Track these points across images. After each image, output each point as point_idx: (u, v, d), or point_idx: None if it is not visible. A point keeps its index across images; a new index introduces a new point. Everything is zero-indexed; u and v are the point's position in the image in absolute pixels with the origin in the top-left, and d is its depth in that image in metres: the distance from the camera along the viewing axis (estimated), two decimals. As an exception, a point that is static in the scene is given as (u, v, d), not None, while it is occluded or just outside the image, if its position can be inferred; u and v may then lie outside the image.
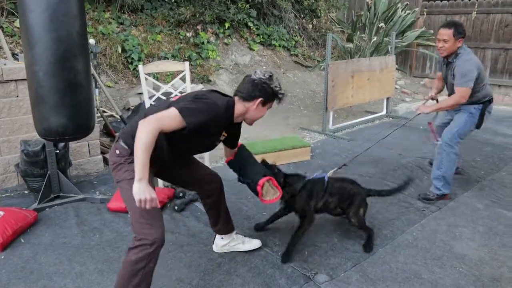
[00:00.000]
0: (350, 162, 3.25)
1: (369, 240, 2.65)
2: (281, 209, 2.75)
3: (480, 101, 3.28)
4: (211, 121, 1.88)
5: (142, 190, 1.71)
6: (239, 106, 2.03)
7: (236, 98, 2.04)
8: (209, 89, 2.05)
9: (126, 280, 1.82)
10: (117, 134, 4.24)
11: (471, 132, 3.44)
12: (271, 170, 2.45)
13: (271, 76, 2.04)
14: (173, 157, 2.03)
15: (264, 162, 2.51)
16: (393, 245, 2.68)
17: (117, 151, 1.96)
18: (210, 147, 2.14)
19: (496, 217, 3.07)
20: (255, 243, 2.59)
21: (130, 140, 1.91)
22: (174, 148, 1.97)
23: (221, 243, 2.54)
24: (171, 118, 1.80)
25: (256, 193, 2.26)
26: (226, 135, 2.14)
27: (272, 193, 2.29)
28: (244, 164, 2.34)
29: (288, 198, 2.54)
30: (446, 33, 3.13)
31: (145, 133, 1.72)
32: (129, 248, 1.83)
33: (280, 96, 2.07)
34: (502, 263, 2.49)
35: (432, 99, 3.67)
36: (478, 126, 3.36)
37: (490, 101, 3.34)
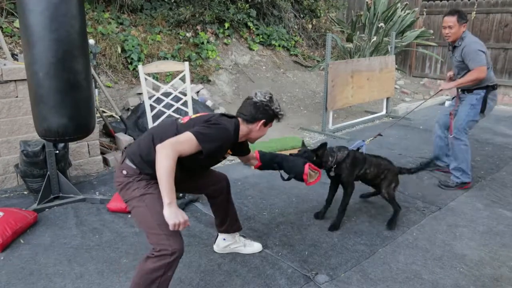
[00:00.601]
0: (383, 132, 3.65)
1: (395, 217, 2.88)
2: (330, 187, 2.99)
3: (483, 85, 3.44)
4: (224, 145, 1.98)
5: (175, 214, 1.74)
6: (243, 128, 2.10)
7: (240, 119, 2.11)
8: (217, 114, 2.11)
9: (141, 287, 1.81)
10: (118, 136, 4.25)
11: (478, 121, 3.58)
12: (308, 153, 2.67)
13: (271, 98, 2.11)
14: (183, 174, 2.05)
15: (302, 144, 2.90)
16: (393, 245, 2.68)
17: (124, 172, 1.96)
18: (215, 164, 2.24)
19: (496, 217, 3.07)
20: (257, 247, 2.59)
21: (138, 159, 1.95)
22: (185, 168, 2.00)
23: (223, 244, 2.53)
24: (188, 143, 1.85)
25: (302, 181, 2.45)
26: (230, 152, 2.23)
27: (313, 175, 2.47)
28: (279, 163, 2.50)
29: (333, 167, 2.78)
30: (451, 20, 3.38)
31: (166, 158, 1.75)
32: (147, 256, 1.83)
33: (280, 117, 2.16)
34: (502, 263, 2.49)
35: (451, 79, 3.78)
36: (482, 110, 3.50)
37: (494, 87, 3.51)
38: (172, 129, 1.98)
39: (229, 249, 2.54)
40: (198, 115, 2.12)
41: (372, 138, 3.24)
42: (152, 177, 1.92)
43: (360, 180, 2.97)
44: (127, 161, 1.97)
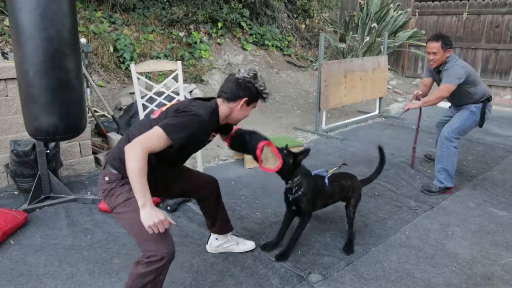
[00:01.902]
0: (348, 162, 3.22)
1: (351, 241, 2.64)
2: (287, 215, 2.63)
3: (479, 101, 3.46)
4: (197, 133, 1.83)
5: (149, 215, 1.66)
6: (223, 108, 1.97)
7: (219, 100, 1.98)
8: (190, 99, 1.98)
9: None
10: (110, 136, 4.22)
11: (471, 129, 3.58)
12: (287, 151, 2.34)
13: (255, 75, 1.98)
14: (165, 171, 2.00)
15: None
16: (386, 244, 2.68)
17: (107, 178, 1.90)
18: (200, 148, 2.13)
19: (487, 216, 3.09)
20: (249, 245, 2.58)
21: (118, 163, 1.87)
22: (165, 162, 1.93)
23: (215, 244, 2.52)
24: (156, 138, 1.74)
25: (256, 159, 2.16)
26: (215, 135, 2.12)
27: (272, 161, 2.18)
28: (246, 137, 2.21)
29: (287, 171, 2.38)
30: (435, 46, 3.35)
31: (135, 159, 1.66)
32: (138, 261, 1.79)
33: (264, 95, 2.02)
34: (493, 261, 2.51)
35: (417, 98, 3.74)
36: (480, 124, 3.53)
37: (489, 99, 3.51)
38: (146, 125, 1.87)
39: (222, 249, 2.53)
40: (169, 105, 1.98)
41: (336, 168, 2.78)
42: None
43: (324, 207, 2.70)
44: (108, 167, 1.91)
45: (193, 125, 1.81)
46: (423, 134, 5.26)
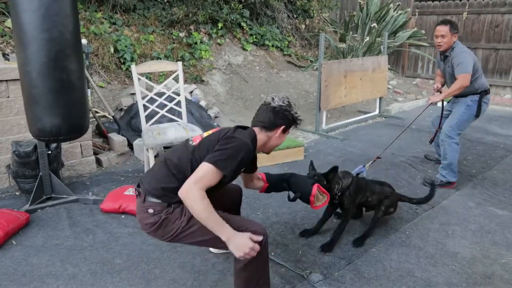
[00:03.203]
0: (381, 154, 3.58)
1: (365, 237, 2.75)
2: (327, 210, 2.83)
3: (477, 91, 3.54)
4: (245, 159, 1.85)
5: (237, 246, 1.69)
6: (261, 136, 1.99)
7: (256, 129, 2.00)
8: (231, 128, 1.96)
9: (253, 280, 1.89)
10: (111, 136, 4.23)
11: (471, 123, 3.66)
12: (319, 177, 2.53)
13: (289, 103, 2.02)
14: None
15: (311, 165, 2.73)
16: (387, 244, 2.69)
17: (151, 210, 1.85)
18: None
19: (487, 215, 3.10)
20: None
21: (160, 192, 1.85)
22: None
23: None
24: (209, 175, 1.75)
25: (308, 203, 2.34)
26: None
27: (321, 199, 2.36)
28: (287, 180, 2.39)
29: (338, 195, 2.63)
30: (444, 29, 3.47)
31: (196, 202, 1.68)
32: (239, 267, 1.87)
33: (298, 122, 2.07)
34: (494, 261, 2.52)
35: (438, 91, 3.82)
36: (477, 115, 3.59)
37: (487, 91, 3.59)
38: (185, 153, 1.88)
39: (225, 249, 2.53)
40: (210, 132, 1.99)
41: (371, 162, 3.24)
42: (181, 202, 1.83)
43: (361, 206, 2.91)
44: (150, 198, 1.87)
45: (241, 153, 1.82)
46: (423, 133, 5.27)
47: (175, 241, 1.91)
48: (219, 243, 1.78)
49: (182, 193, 1.72)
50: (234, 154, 1.80)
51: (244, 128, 2.01)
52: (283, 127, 2.00)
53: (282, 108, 1.98)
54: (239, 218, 1.94)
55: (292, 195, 2.38)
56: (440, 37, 3.49)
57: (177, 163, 1.86)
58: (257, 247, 1.72)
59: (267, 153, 2.13)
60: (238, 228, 1.77)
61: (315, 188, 2.30)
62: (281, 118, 1.98)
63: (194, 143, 1.94)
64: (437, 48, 3.62)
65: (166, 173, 1.87)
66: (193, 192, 1.69)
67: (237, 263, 1.87)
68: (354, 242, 2.69)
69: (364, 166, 3.06)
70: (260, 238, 1.77)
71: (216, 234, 1.71)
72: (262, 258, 1.87)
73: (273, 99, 2.01)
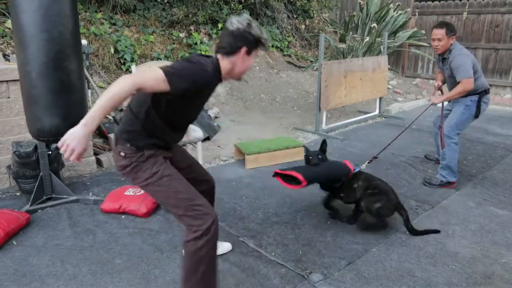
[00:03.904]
0: (379, 154, 3.66)
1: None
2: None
3: (476, 92, 3.52)
4: (199, 84, 1.73)
5: (75, 136, 1.52)
6: (225, 63, 1.87)
7: (219, 56, 1.88)
8: (193, 54, 1.88)
9: (192, 271, 1.82)
10: (111, 137, 4.23)
11: (470, 123, 3.65)
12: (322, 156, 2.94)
13: (249, 23, 1.87)
14: (170, 134, 1.94)
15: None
16: (387, 244, 2.69)
17: (122, 153, 1.86)
18: (198, 109, 1.99)
19: (487, 215, 3.10)
20: (226, 247, 2.55)
21: (126, 135, 1.85)
22: (166, 122, 1.87)
23: None
24: (153, 79, 1.62)
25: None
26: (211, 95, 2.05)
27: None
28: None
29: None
30: (440, 32, 3.45)
31: (120, 85, 1.55)
32: (186, 241, 1.81)
33: (263, 41, 1.92)
34: (494, 261, 2.52)
35: (439, 88, 3.85)
36: (476, 115, 3.59)
37: (486, 91, 3.58)
38: (144, 94, 1.79)
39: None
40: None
41: (368, 162, 3.30)
42: (153, 146, 1.85)
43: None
44: (120, 141, 1.87)
45: (196, 75, 1.71)
46: (423, 133, 5.28)
47: (145, 190, 1.92)
48: (179, 213, 1.81)
49: (118, 79, 1.60)
50: (188, 72, 1.70)
51: (207, 56, 1.90)
52: (245, 49, 1.86)
53: (240, 29, 1.84)
54: (197, 193, 1.89)
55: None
56: (436, 41, 3.48)
57: (137, 103, 1.83)
58: (75, 158, 1.55)
59: (238, 79, 2.01)
60: (189, 201, 1.80)
61: (348, 164, 2.86)
62: (241, 40, 1.85)
63: None
64: (434, 51, 3.64)
65: (128, 116, 1.86)
66: (125, 79, 1.58)
67: (187, 248, 1.84)
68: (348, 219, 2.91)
69: (359, 166, 3.06)
70: (80, 161, 1.62)
71: (87, 115, 1.56)
72: (211, 252, 1.84)
73: (231, 23, 1.87)
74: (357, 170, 2.98)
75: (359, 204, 2.84)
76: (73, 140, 1.52)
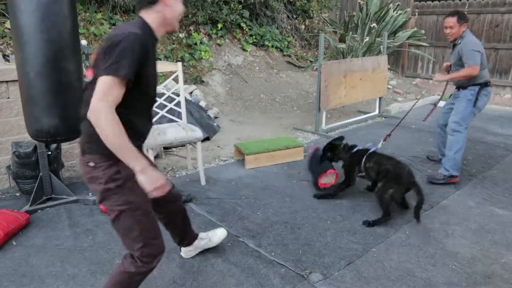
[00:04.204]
0: (392, 132, 3.89)
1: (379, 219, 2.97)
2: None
3: (476, 83, 3.63)
4: (138, 52, 1.56)
5: (154, 178, 1.56)
6: (152, 16, 1.71)
7: (142, 12, 1.72)
8: (116, 29, 1.66)
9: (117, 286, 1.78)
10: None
11: (475, 114, 3.73)
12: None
13: None
14: (141, 123, 1.76)
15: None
16: (387, 244, 2.69)
17: (91, 163, 1.66)
18: (153, 74, 1.77)
19: (488, 215, 3.10)
20: (221, 233, 2.56)
21: (92, 143, 1.63)
22: (134, 111, 1.69)
23: (189, 248, 2.44)
24: (110, 87, 1.50)
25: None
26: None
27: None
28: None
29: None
30: (451, 20, 3.62)
31: (105, 122, 1.47)
32: (130, 260, 1.75)
33: None
34: (493, 260, 2.51)
35: (446, 69, 3.95)
36: (474, 104, 3.66)
37: (487, 84, 3.68)
38: (89, 91, 1.60)
39: (198, 251, 2.49)
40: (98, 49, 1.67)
41: (383, 141, 3.57)
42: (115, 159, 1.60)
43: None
44: (87, 151, 1.68)
45: (129, 45, 1.54)
46: (424, 133, 5.27)
47: (107, 207, 1.73)
48: (131, 239, 1.71)
49: (90, 114, 1.50)
50: (123, 51, 1.53)
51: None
52: None
53: None
54: (158, 229, 1.82)
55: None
56: (448, 28, 3.62)
57: (87, 106, 1.59)
58: (166, 189, 1.60)
59: (173, 30, 1.84)
60: (151, 239, 1.74)
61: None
62: None
63: (88, 77, 1.77)
64: (447, 38, 3.79)
65: (88, 124, 1.59)
66: (100, 112, 1.47)
67: (126, 266, 1.77)
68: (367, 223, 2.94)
69: (375, 145, 3.36)
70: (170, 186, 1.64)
71: (128, 164, 1.53)
72: (146, 276, 1.81)
73: None
74: (372, 150, 3.20)
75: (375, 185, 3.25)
76: (156, 181, 1.57)
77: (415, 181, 2.98)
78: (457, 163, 3.64)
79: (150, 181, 1.56)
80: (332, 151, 3.36)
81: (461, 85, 3.70)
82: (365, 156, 3.15)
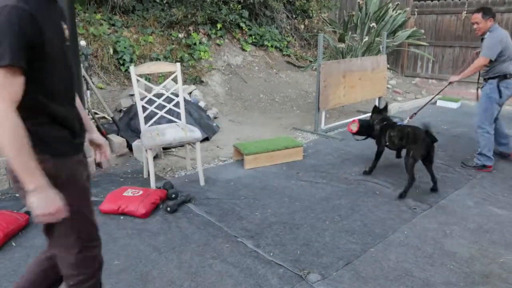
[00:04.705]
0: (418, 111, 4.25)
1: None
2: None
3: (495, 75, 3.84)
4: (24, 26, 1.24)
5: (48, 200, 1.29)
6: None
7: None
8: None
9: None
10: (110, 138, 4.23)
11: (498, 107, 3.93)
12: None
13: None
14: (64, 109, 1.45)
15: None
16: (385, 244, 2.70)
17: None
18: (59, 44, 1.40)
19: (486, 215, 3.11)
20: None
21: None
22: (51, 96, 1.39)
23: None
24: (3, 81, 1.22)
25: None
26: (66, 26, 1.48)
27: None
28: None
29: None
30: (476, 16, 3.85)
31: (2, 120, 1.21)
32: (68, 285, 1.56)
33: None
34: (492, 260, 2.52)
35: (477, 54, 4.18)
36: (500, 96, 3.87)
37: (506, 76, 3.85)
38: None
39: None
40: None
41: (409, 118, 3.98)
42: (59, 142, 1.42)
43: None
44: None
45: (9, 22, 1.23)
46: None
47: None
48: (69, 254, 1.51)
49: None
50: (2, 32, 1.22)
51: None
52: None
53: None
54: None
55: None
56: (475, 24, 3.86)
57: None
58: (65, 214, 1.36)
59: None
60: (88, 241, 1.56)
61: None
62: None
63: None
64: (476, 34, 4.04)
65: None
66: None
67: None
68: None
69: (402, 121, 3.90)
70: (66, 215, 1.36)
71: (22, 180, 1.26)
72: None
73: None
74: (398, 123, 3.77)
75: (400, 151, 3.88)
76: (49, 205, 1.29)
77: (432, 143, 3.39)
78: (489, 155, 3.91)
79: (43, 204, 1.28)
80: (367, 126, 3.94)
81: (484, 77, 3.94)
82: (389, 128, 3.69)
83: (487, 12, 3.81)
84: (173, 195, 3.26)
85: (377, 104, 4.07)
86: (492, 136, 3.95)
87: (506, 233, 2.83)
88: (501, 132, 4.13)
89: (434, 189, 3.51)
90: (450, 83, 4.12)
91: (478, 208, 3.22)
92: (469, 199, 3.37)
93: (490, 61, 3.78)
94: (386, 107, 4.11)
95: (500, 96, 3.84)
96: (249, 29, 7.54)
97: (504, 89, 3.82)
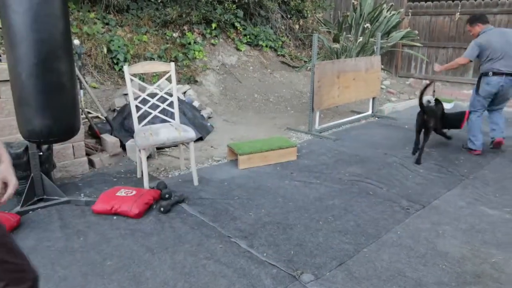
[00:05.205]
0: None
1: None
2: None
3: (480, 72, 4.35)
4: None
5: None
6: None
7: None
8: None
9: None
10: (103, 137, 4.21)
11: (481, 100, 4.40)
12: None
13: None
14: None
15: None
16: (378, 244, 2.71)
17: None
18: None
19: (478, 215, 3.13)
20: None
21: None
22: None
23: None
24: None
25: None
26: None
27: None
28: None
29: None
30: (467, 26, 4.48)
31: None
32: None
33: None
34: (483, 260, 2.54)
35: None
36: (477, 92, 4.41)
37: (487, 74, 4.27)
38: None
39: None
40: None
41: (426, 86, 4.25)
42: None
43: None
44: None
45: None
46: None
47: None
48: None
49: None
50: None
51: None
52: None
53: None
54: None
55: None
56: (469, 32, 4.44)
57: None
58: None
59: None
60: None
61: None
62: None
63: None
64: None
65: None
66: None
67: None
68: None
69: (430, 101, 4.41)
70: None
71: None
72: None
73: None
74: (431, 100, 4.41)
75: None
76: None
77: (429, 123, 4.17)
78: (473, 140, 4.45)
79: None
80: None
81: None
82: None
83: (472, 20, 4.38)
84: (167, 195, 3.25)
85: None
86: (475, 123, 4.44)
87: (498, 233, 2.86)
88: (494, 120, 4.55)
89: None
90: (435, 71, 4.71)
91: (470, 208, 3.25)
92: (461, 200, 3.40)
93: (478, 60, 4.37)
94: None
95: (478, 91, 4.36)
96: (243, 29, 7.54)
97: (484, 85, 4.29)
